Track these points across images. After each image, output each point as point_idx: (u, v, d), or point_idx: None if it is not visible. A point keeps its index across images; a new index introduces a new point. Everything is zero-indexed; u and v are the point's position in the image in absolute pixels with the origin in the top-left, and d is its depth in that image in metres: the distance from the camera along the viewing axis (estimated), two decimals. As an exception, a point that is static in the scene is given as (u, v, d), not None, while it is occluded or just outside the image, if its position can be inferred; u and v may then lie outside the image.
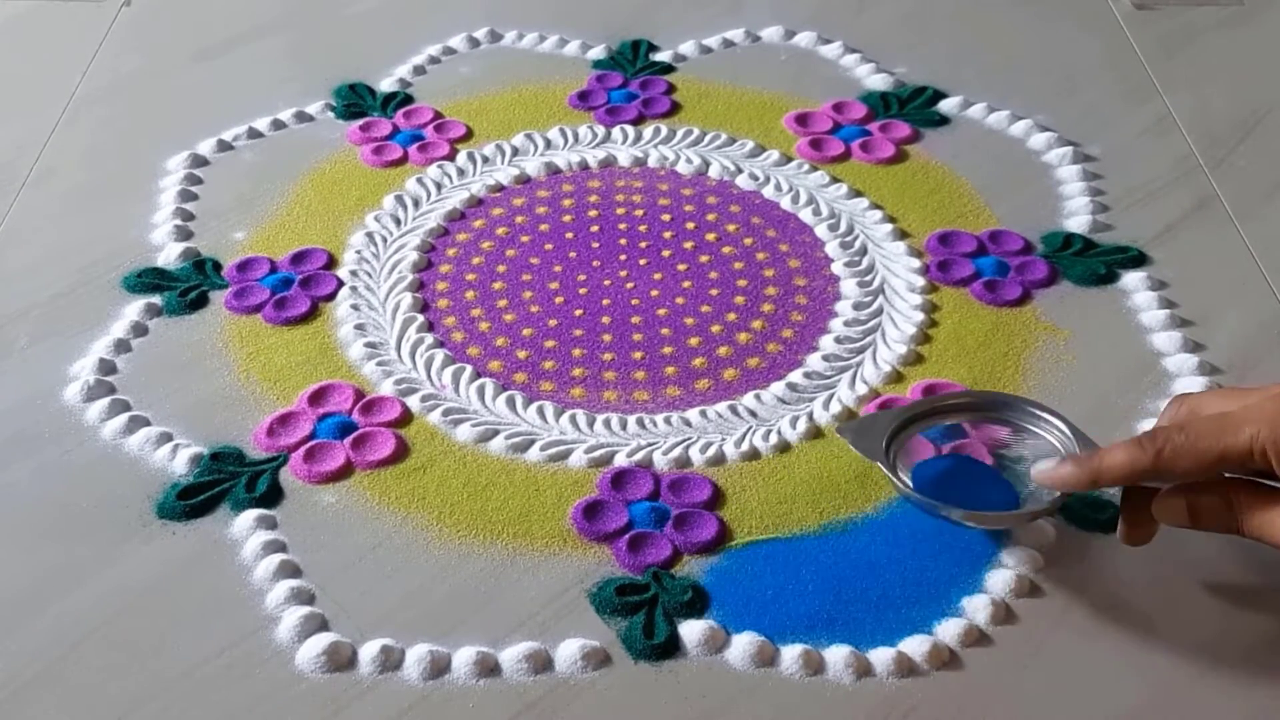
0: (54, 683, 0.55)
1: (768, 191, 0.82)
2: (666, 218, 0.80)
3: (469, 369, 0.69)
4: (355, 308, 0.73)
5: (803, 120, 0.87)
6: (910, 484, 0.58)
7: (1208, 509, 0.51)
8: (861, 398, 0.67)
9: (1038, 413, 0.60)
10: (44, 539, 0.61)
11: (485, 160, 0.85)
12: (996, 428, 0.62)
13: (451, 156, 0.85)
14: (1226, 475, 0.52)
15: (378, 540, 0.61)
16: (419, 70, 0.93)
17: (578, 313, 0.73)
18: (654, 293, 0.74)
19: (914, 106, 0.89)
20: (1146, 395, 0.68)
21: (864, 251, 0.77)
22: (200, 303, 0.74)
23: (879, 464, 0.58)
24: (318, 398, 0.68)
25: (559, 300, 0.74)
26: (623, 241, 0.78)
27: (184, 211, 0.80)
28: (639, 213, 0.80)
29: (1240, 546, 0.59)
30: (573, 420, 0.66)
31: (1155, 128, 0.87)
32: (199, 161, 0.84)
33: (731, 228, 0.79)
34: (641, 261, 0.76)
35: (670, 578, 0.59)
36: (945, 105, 0.89)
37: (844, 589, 0.58)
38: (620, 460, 0.64)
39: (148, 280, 0.75)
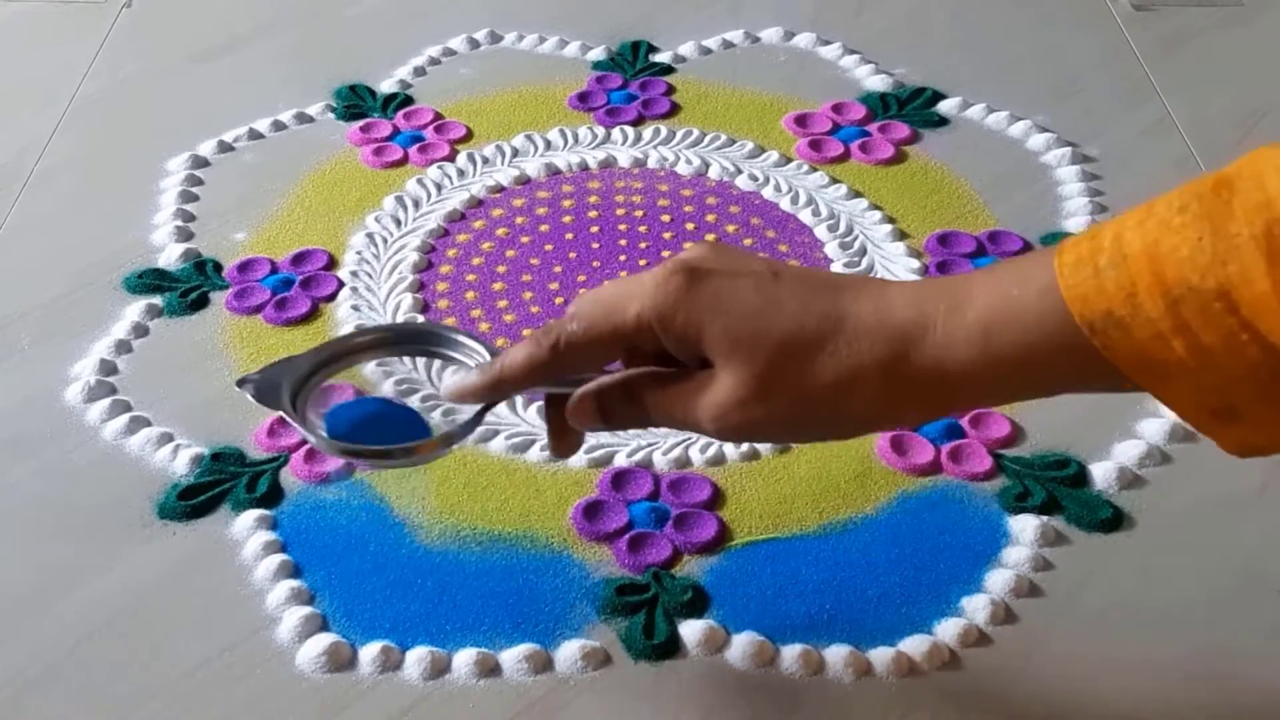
0: (55, 682, 0.55)
1: (767, 192, 0.82)
2: (666, 218, 0.80)
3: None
4: (356, 308, 0.74)
5: (802, 121, 0.87)
6: (325, 431, 0.51)
7: (615, 405, 0.48)
8: (861, 398, 0.68)
9: (459, 339, 0.53)
10: (45, 539, 0.61)
11: (485, 161, 0.85)
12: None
13: (452, 157, 0.85)
14: (632, 371, 0.49)
15: (378, 540, 0.61)
16: (419, 71, 0.93)
17: (578, 313, 0.73)
18: (654, 293, 0.74)
19: (913, 107, 0.89)
20: (1146, 395, 0.67)
21: (863, 252, 0.77)
22: (201, 303, 0.74)
23: (284, 414, 0.50)
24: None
25: (559, 301, 0.74)
26: (623, 242, 0.78)
27: (185, 212, 0.80)
28: (639, 213, 0.80)
29: (1238, 548, 0.60)
30: (573, 420, 0.66)
31: (1154, 128, 0.87)
32: (199, 162, 0.84)
33: (731, 228, 0.79)
34: (641, 262, 0.77)
35: (670, 578, 0.59)
36: (944, 106, 0.89)
37: (844, 589, 0.58)
38: (620, 460, 0.64)
39: (148, 281, 0.75)
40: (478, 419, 0.50)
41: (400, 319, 0.72)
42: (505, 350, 0.49)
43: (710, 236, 0.78)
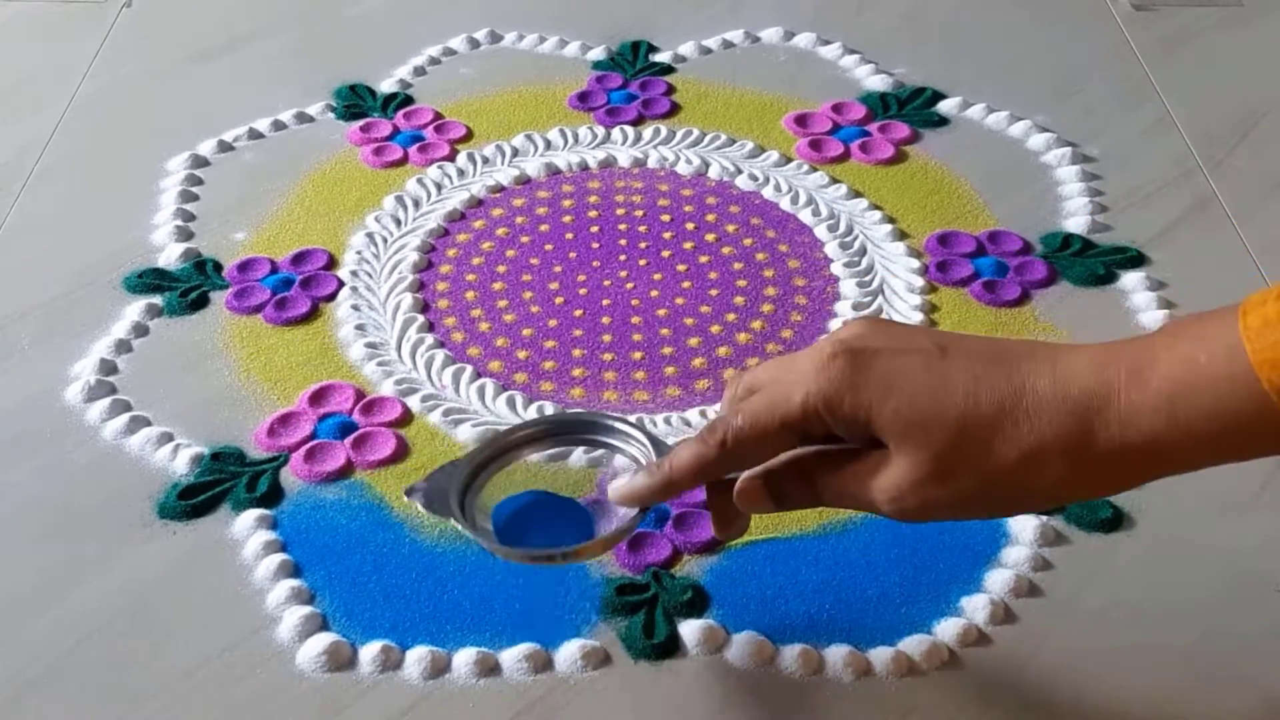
0: (55, 682, 0.55)
1: (767, 192, 0.82)
2: (666, 218, 0.80)
3: (469, 369, 0.69)
4: (356, 308, 0.74)
5: (802, 121, 0.87)
6: (492, 530, 0.52)
7: (786, 487, 0.48)
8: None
9: (616, 425, 0.54)
10: (45, 539, 0.61)
11: (485, 161, 0.85)
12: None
13: (452, 157, 0.85)
14: (801, 450, 0.48)
15: (378, 540, 0.61)
16: (419, 71, 0.93)
17: (578, 313, 0.73)
18: (654, 293, 0.74)
19: (913, 107, 0.89)
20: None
21: (863, 252, 0.77)
22: (201, 303, 0.74)
23: (454, 523, 0.51)
24: (318, 398, 0.68)
25: (559, 300, 0.74)
26: (623, 242, 0.78)
27: (185, 212, 0.80)
28: (639, 213, 0.80)
29: (1239, 547, 0.60)
30: (573, 420, 0.66)
31: (1154, 128, 0.87)
32: (199, 162, 0.84)
33: (731, 228, 0.79)
34: (641, 262, 0.77)
35: (670, 577, 0.59)
36: (944, 106, 0.89)
37: (843, 589, 0.58)
38: (620, 460, 0.64)
39: (148, 281, 0.75)
40: (642, 514, 0.50)
41: (400, 319, 0.72)
42: (673, 449, 0.49)
43: (710, 237, 0.78)
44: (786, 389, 0.46)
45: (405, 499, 0.52)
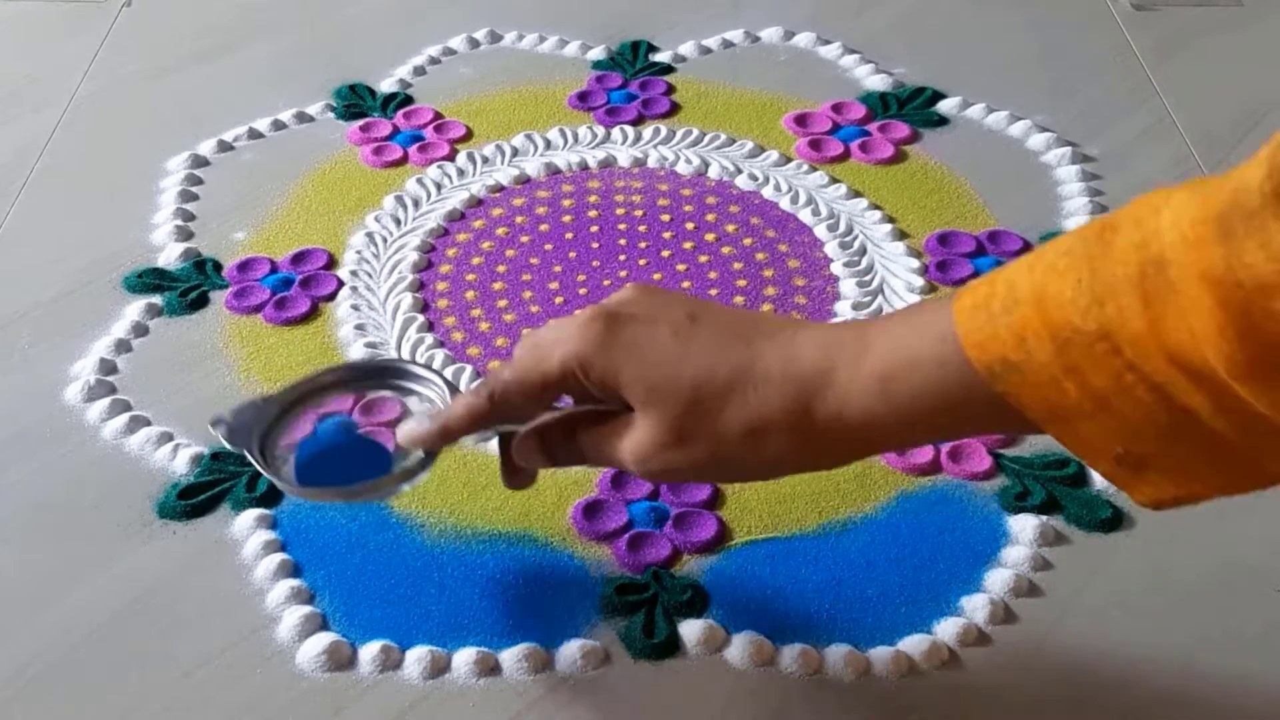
0: (55, 682, 0.55)
1: (767, 192, 0.82)
2: (666, 218, 0.80)
3: (469, 369, 0.69)
4: (355, 308, 0.74)
5: (802, 121, 0.87)
6: (292, 469, 0.54)
7: (556, 443, 0.50)
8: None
9: (422, 373, 0.56)
10: (45, 539, 0.61)
11: (485, 161, 0.85)
12: (387, 401, 0.59)
13: (451, 157, 0.85)
14: (575, 409, 0.50)
15: (378, 540, 0.61)
16: (419, 71, 0.93)
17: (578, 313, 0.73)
18: (654, 293, 0.74)
19: (913, 107, 0.89)
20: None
21: (863, 251, 0.77)
22: (201, 303, 0.74)
23: (251, 459, 0.53)
24: (318, 398, 0.68)
25: (559, 300, 0.74)
26: (622, 242, 0.78)
27: (184, 212, 0.80)
28: (639, 213, 0.80)
29: (1238, 548, 0.60)
30: (573, 420, 0.66)
31: (1154, 128, 0.87)
32: (199, 162, 0.84)
33: (731, 228, 0.79)
34: (641, 261, 0.77)
35: (670, 577, 0.59)
36: (944, 106, 0.89)
37: (843, 588, 0.58)
38: (620, 460, 0.64)
39: (148, 280, 0.75)
40: (430, 459, 0.52)
41: (400, 319, 0.72)
42: (452, 402, 0.52)
43: (710, 236, 0.78)
44: (549, 348, 0.48)
45: (210, 429, 0.54)
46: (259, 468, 0.53)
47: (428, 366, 0.56)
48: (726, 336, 0.46)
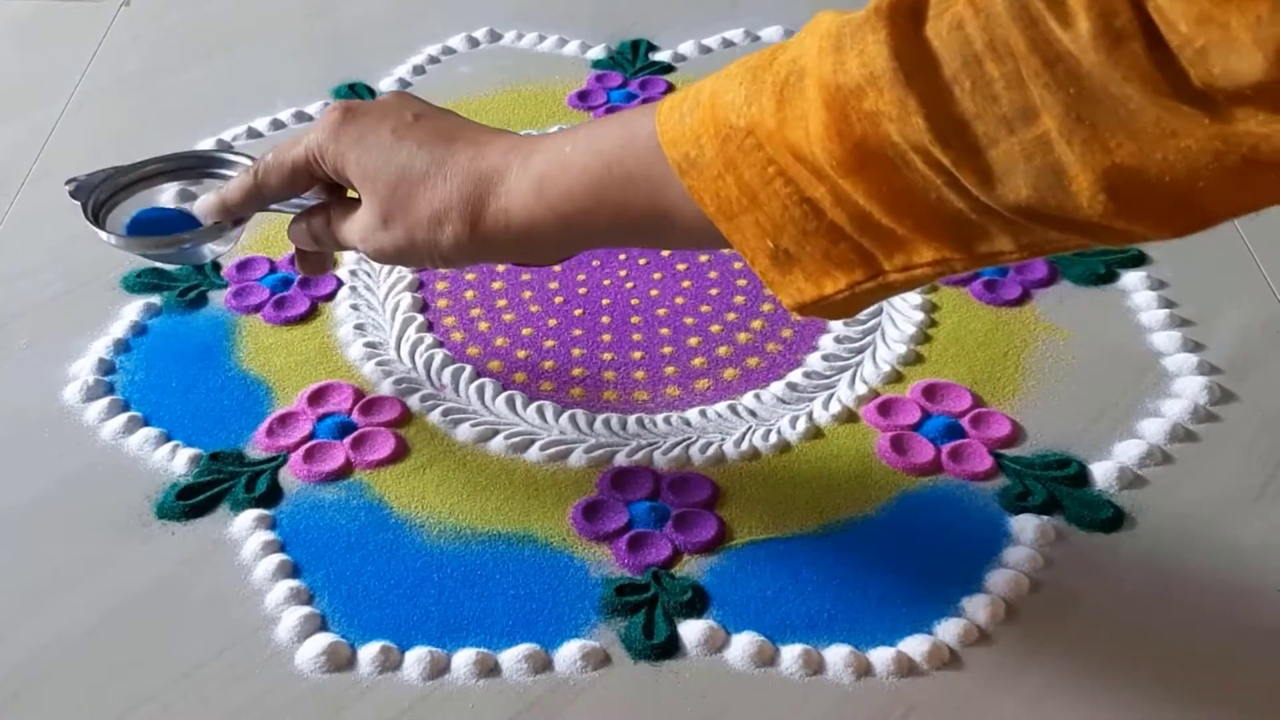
0: (54, 682, 0.55)
1: (767, 191, 0.82)
2: (666, 218, 0.80)
3: (469, 369, 0.69)
4: (355, 307, 0.73)
5: (802, 120, 0.87)
6: (120, 229, 0.60)
7: (315, 226, 0.56)
8: (861, 397, 0.68)
9: (239, 161, 0.62)
10: (43, 539, 0.61)
11: (485, 160, 0.84)
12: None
13: (451, 156, 0.85)
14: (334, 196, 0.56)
15: (378, 540, 0.61)
16: (419, 70, 0.93)
17: (577, 312, 0.73)
18: (653, 292, 0.74)
19: (914, 106, 0.89)
20: (1146, 394, 0.68)
21: (864, 251, 0.77)
22: (200, 302, 0.74)
23: (84, 214, 0.59)
24: (317, 398, 0.68)
25: (558, 300, 0.74)
26: (622, 241, 0.78)
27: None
28: (639, 213, 0.80)
29: (1239, 548, 0.60)
30: (572, 420, 0.66)
31: (1155, 127, 0.87)
32: (198, 161, 0.84)
33: (731, 228, 0.79)
34: (641, 261, 0.76)
35: (670, 577, 0.59)
36: (945, 105, 0.89)
37: (844, 589, 0.58)
38: (620, 460, 0.64)
39: (147, 280, 0.75)
40: (221, 228, 0.58)
41: (400, 318, 0.72)
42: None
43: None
44: (300, 137, 0.53)
45: (64, 185, 0.60)
46: (89, 224, 0.59)
47: (251, 157, 0.60)
48: (435, 135, 0.51)
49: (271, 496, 0.62)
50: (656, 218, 0.46)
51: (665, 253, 0.77)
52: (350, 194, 0.55)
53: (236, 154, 0.62)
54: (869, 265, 0.43)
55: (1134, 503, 0.62)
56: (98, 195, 0.60)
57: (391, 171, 0.50)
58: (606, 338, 0.71)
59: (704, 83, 0.45)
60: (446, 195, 0.49)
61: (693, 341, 0.71)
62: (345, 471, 0.64)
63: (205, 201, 0.58)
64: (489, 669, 0.55)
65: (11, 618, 0.57)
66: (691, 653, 0.56)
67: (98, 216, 0.60)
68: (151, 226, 0.60)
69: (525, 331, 0.72)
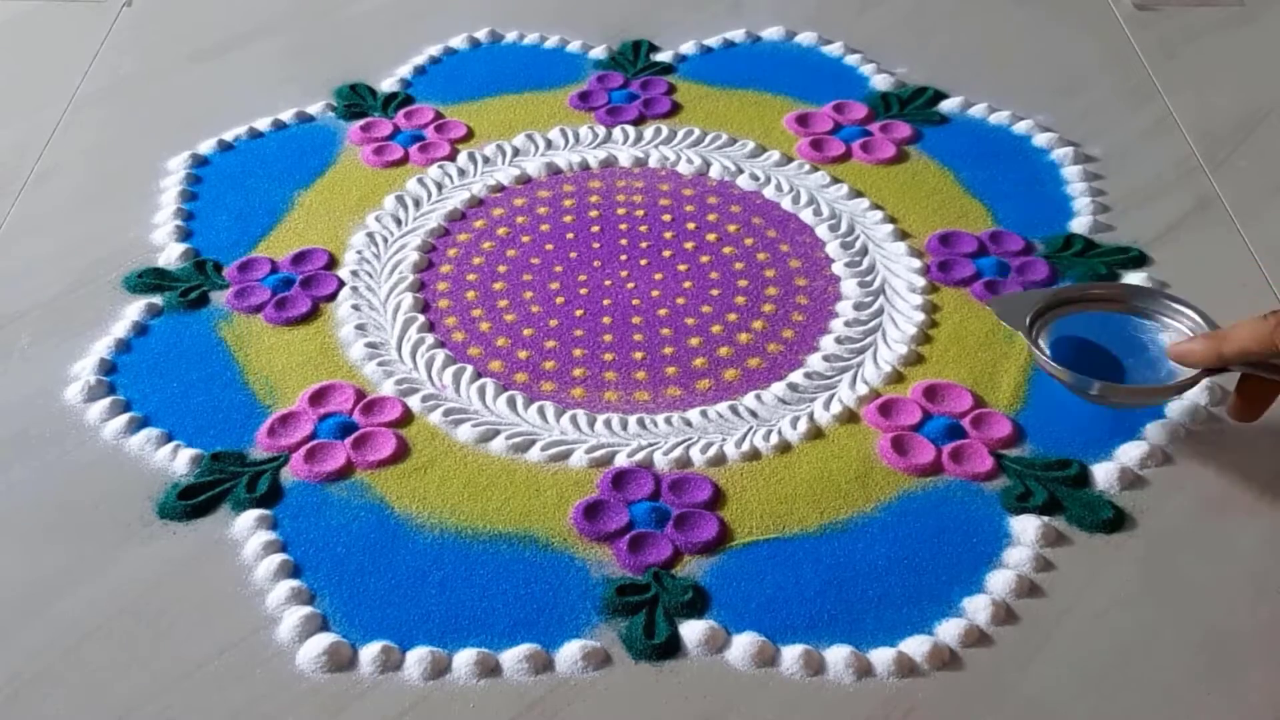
0: (54, 682, 0.55)
1: (768, 192, 0.82)
2: (667, 218, 0.80)
3: (470, 369, 0.69)
4: (356, 308, 0.73)
5: (803, 121, 0.87)
6: (1047, 348, 0.63)
7: None
8: (862, 398, 0.68)
9: (1176, 306, 0.64)
10: (44, 539, 0.61)
11: (486, 160, 0.85)
12: (1138, 320, 0.65)
13: (452, 157, 0.85)
14: None
15: (378, 540, 0.61)
16: (420, 70, 0.93)
17: (578, 313, 0.73)
18: (655, 293, 0.74)
19: (915, 107, 0.89)
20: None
21: (865, 252, 0.77)
22: (201, 303, 0.74)
23: (1022, 334, 0.63)
24: (318, 398, 0.68)
25: (560, 300, 0.74)
26: (623, 242, 0.78)
27: (184, 212, 0.80)
28: (640, 213, 0.80)
29: (1238, 548, 0.60)
30: (573, 420, 0.66)
31: (1156, 128, 0.87)
32: (200, 162, 0.84)
33: (732, 228, 0.79)
34: (642, 261, 0.76)
35: (670, 578, 0.59)
36: (946, 105, 0.89)
37: (844, 589, 0.58)
38: (621, 460, 0.64)
39: (148, 280, 0.75)
40: (1195, 380, 0.59)
41: (401, 319, 0.72)
42: (1230, 327, 0.56)
43: (711, 236, 0.78)
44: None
45: (984, 305, 0.67)
46: (1030, 346, 0.63)
47: (1190, 304, 0.63)
48: None
49: (273, 496, 0.62)
50: None
51: (666, 253, 0.77)
52: None
53: (1166, 295, 0.64)
54: None
55: (1135, 503, 0.62)
56: (1028, 319, 0.63)
57: None
58: (608, 338, 0.71)
59: None
60: None
61: (694, 342, 0.71)
62: (346, 472, 0.64)
63: (1183, 345, 0.58)
64: (490, 669, 0.55)
65: (12, 618, 0.57)
66: (692, 653, 0.56)
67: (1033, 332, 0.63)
68: (1084, 355, 0.62)
69: (526, 332, 0.72)
